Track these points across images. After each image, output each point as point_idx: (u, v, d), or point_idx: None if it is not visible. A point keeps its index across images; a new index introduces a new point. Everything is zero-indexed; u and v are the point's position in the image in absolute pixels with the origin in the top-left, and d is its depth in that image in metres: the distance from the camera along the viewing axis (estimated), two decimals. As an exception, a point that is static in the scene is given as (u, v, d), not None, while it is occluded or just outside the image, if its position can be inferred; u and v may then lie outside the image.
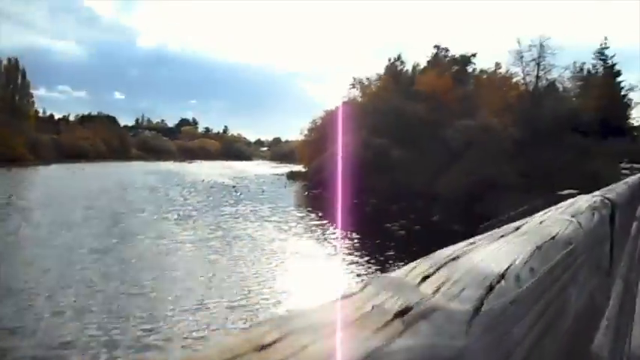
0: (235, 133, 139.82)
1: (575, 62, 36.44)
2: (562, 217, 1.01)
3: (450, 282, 0.49)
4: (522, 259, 0.64)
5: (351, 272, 13.68)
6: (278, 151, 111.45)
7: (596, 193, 1.77)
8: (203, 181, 46.45)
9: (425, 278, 0.50)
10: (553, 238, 0.82)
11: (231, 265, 13.77)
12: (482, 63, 57.10)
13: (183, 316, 9.29)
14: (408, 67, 45.62)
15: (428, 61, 43.64)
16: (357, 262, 14.93)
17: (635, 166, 15.78)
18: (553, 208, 1.18)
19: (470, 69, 42.50)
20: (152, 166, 65.20)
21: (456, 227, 23.03)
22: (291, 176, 52.51)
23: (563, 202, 1.33)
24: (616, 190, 2.05)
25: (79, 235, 17.32)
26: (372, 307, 0.38)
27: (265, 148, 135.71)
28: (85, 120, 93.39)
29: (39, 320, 8.75)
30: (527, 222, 0.93)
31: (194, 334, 8.38)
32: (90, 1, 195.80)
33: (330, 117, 48.47)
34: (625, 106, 34.32)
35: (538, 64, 35.75)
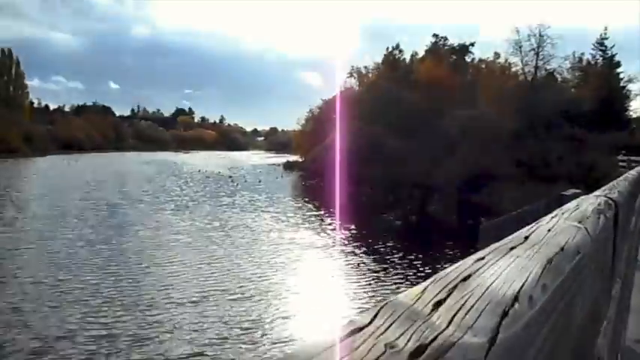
0: (232, 123, 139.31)
1: (574, 52, 36.33)
2: (569, 224, 0.99)
3: (464, 310, 0.46)
4: (534, 277, 0.62)
5: (349, 263, 13.72)
6: (274, 141, 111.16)
7: (599, 192, 1.76)
8: (199, 171, 46.34)
9: (437, 305, 0.47)
10: (562, 249, 0.79)
11: (230, 255, 13.78)
12: (481, 52, 56.86)
13: (183, 306, 9.31)
14: (406, 56, 45.39)
15: (426, 50, 43.40)
16: (354, 253, 14.97)
17: (633, 158, 15.80)
18: (558, 212, 1.16)
19: (468, 58, 42.32)
20: (148, 157, 64.95)
21: (452, 217, 23.13)
22: (288, 166, 52.43)
23: (567, 205, 1.31)
24: (617, 188, 2.03)
25: (76, 226, 17.27)
26: (385, 348, 0.36)
27: (262, 138, 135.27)
28: (80, 110, 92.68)
29: (37, 311, 8.76)
30: (534, 230, 0.91)
31: (193, 324, 8.41)
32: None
33: (326, 106, 48.28)
34: (624, 97, 34.27)
35: (537, 54, 35.60)
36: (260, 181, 38.38)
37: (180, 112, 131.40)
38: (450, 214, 24.00)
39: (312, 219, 21.66)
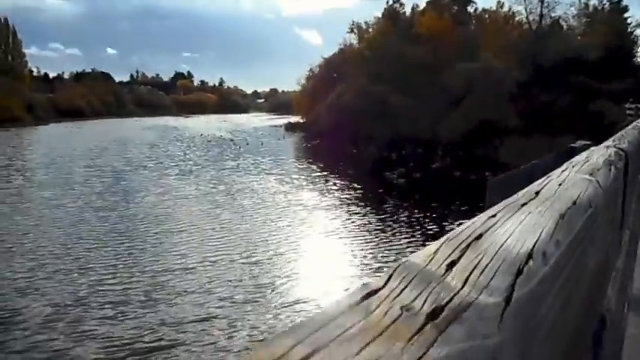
0: (231, 85, 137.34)
1: (581, -3, 34.97)
2: (580, 177, 0.96)
3: (478, 269, 0.46)
4: (548, 232, 0.60)
5: (355, 223, 13.86)
6: (275, 103, 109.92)
7: (609, 143, 1.72)
8: (201, 135, 46.17)
9: (451, 265, 0.47)
10: (574, 202, 0.78)
11: (236, 218, 13.94)
12: (484, 2, 54.93)
13: (192, 270, 9.50)
14: (407, 9, 43.89)
15: (427, 2, 41.88)
16: (360, 213, 15.10)
17: (640, 106, 15.52)
18: (568, 165, 1.14)
19: (471, 9, 40.90)
20: (149, 122, 64.58)
21: (456, 173, 23.12)
22: (290, 127, 52.06)
23: (577, 157, 1.28)
24: (627, 138, 1.99)
25: (82, 193, 17.43)
26: (402, 310, 0.36)
27: (262, 100, 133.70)
28: (79, 77, 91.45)
29: (48, 278, 8.95)
30: (545, 184, 0.89)
31: (203, 288, 8.60)
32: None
33: (327, 65, 47.30)
34: (631, 43, 33.27)
35: (542, 2, 34.36)
36: (262, 144, 38.27)
37: (179, 76, 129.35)
38: (454, 169, 23.98)
39: (317, 180, 21.72)
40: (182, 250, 10.70)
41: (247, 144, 38.23)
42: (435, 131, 31.55)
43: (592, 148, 1.53)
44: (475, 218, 0.65)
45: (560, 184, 0.88)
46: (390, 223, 13.85)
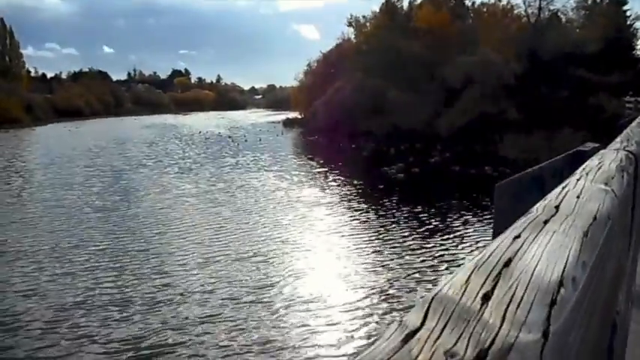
0: (229, 82, 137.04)
1: (580, -10, 34.87)
2: (597, 188, 0.96)
3: (514, 303, 0.46)
4: (574, 255, 0.60)
5: (355, 220, 13.88)
6: (273, 99, 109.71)
7: (617, 145, 1.72)
8: (200, 132, 46.11)
9: (485, 298, 0.47)
10: (595, 218, 0.77)
11: (237, 216, 13.95)
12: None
13: (193, 269, 9.51)
14: (405, 3, 43.72)
15: (425, -4, 41.69)
16: (360, 209, 15.11)
17: (640, 99, 15.50)
18: (582, 172, 1.13)
19: (469, 2, 40.76)
20: (147, 120, 64.46)
21: (455, 167, 23.13)
22: (288, 123, 52.00)
23: (589, 163, 1.28)
24: (634, 138, 1.99)
25: (82, 193, 17.42)
26: (445, 356, 0.34)
27: (260, 96, 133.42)
28: (77, 77, 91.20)
29: (49, 280, 8.93)
30: (563, 197, 0.88)
31: (204, 287, 8.59)
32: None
33: (325, 60, 47.19)
34: (630, 36, 33.21)
35: (540, -6, 34.25)
36: (260, 140, 38.23)
37: (176, 73, 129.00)
38: (453, 164, 23.98)
39: (316, 176, 21.72)
40: (183, 249, 10.70)
41: (246, 141, 38.19)
42: (433, 126, 31.54)
43: (602, 152, 1.52)
44: (500, 239, 0.64)
45: (578, 197, 0.87)
46: (390, 218, 13.87)
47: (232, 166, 24.59)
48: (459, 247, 11.35)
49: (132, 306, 7.78)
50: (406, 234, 12.26)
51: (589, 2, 34.96)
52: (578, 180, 1.04)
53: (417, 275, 9.31)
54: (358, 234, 12.23)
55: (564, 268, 0.56)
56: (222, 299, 8.04)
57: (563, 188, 0.96)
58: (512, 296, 0.46)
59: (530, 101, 29.05)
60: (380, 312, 7.68)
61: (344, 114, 34.65)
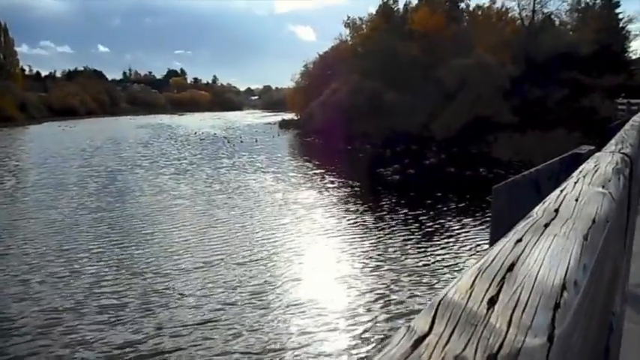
0: (225, 83, 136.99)
1: (573, -7, 35.18)
2: (595, 191, 0.97)
3: (519, 307, 0.46)
4: (576, 258, 0.61)
5: (352, 222, 13.88)
6: (269, 100, 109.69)
7: (612, 147, 1.73)
8: (195, 133, 46.00)
9: (491, 302, 0.47)
10: (594, 221, 0.78)
11: (232, 217, 13.92)
12: (477, -3, 55.07)
13: (189, 272, 9.46)
14: (401, 5, 43.90)
15: (420, -1, 41.88)
16: (357, 211, 15.12)
17: (632, 101, 15.63)
18: (579, 175, 1.15)
19: (464, 5, 40.98)
20: (143, 120, 64.22)
21: (450, 169, 23.21)
22: (284, 125, 51.96)
23: (585, 166, 1.29)
24: (629, 140, 2.01)
25: (77, 194, 17.32)
26: None
27: (256, 97, 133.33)
28: (72, 76, 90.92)
29: (42, 282, 8.83)
30: (562, 200, 0.89)
31: (200, 290, 8.54)
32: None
33: (322, 61, 47.22)
34: (623, 38, 33.52)
35: (534, -3, 34.52)
36: (256, 141, 38.18)
37: (172, 73, 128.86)
38: (449, 165, 24.06)
39: (312, 177, 21.72)
40: (178, 252, 10.65)
41: (241, 142, 38.14)
42: (429, 127, 31.65)
43: (597, 155, 1.54)
44: (501, 243, 0.65)
45: (576, 200, 0.89)
46: (386, 220, 13.89)
47: (228, 168, 24.54)
48: (456, 248, 11.38)
49: (126, 310, 7.70)
50: (402, 236, 12.28)
51: (582, 5, 35.28)
52: (575, 183, 1.05)
53: (414, 278, 9.32)
54: (354, 236, 12.24)
55: (566, 271, 0.56)
56: (219, 303, 7.99)
57: (562, 191, 0.97)
58: (518, 301, 0.47)
59: (524, 103, 29.22)
60: (378, 315, 7.67)
61: (340, 116, 34.69)
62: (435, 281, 9.02)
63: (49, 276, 9.12)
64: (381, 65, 35.44)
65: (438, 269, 9.85)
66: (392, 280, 9.14)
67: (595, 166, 1.28)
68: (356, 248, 11.17)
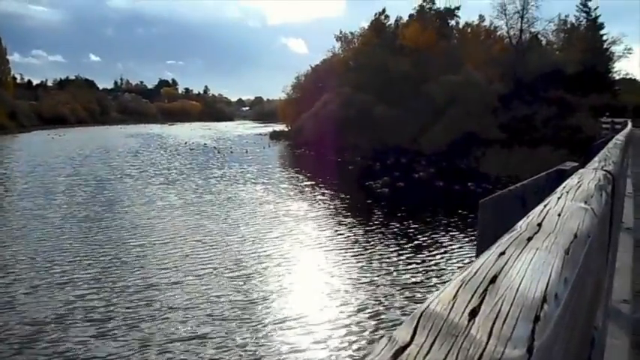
0: (216, 93, 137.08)
1: (559, 14, 36.12)
2: (577, 206, 1.00)
3: (500, 319, 0.47)
4: (557, 272, 0.63)
5: (341, 234, 13.87)
6: (260, 111, 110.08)
7: (595, 164, 1.77)
8: (186, 143, 45.81)
9: (472, 314, 0.48)
10: (576, 235, 0.80)
11: (222, 229, 13.81)
12: (467, 16, 56.10)
13: (177, 284, 9.32)
14: (392, 21, 44.57)
15: (410, 15, 42.63)
16: (346, 223, 15.12)
17: (616, 120, 15.97)
18: (562, 190, 1.17)
19: (454, 22, 41.76)
20: (133, 130, 63.85)
21: (439, 183, 23.39)
22: (275, 136, 52.05)
23: (569, 182, 1.32)
24: (612, 158, 2.05)
25: (65, 203, 17.07)
26: None
27: (247, 108, 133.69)
28: (63, 85, 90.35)
29: (28, 292, 8.66)
30: (545, 214, 0.91)
31: (188, 303, 8.42)
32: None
33: (313, 74, 47.58)
34: (607, 59, 34.37)
35: (521, 17, 35.33)
36: (247, 152, 38.14)
37: (163, 83, 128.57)
38: (437, 179, 24.25)
39: (302, 189, 21.71)
40: (167, 263, 10.51)
41: (232, 152, 38.05)
42: (418, 142, 31.94)
43: (581, 171, 1.57)
44: (485, 255, 0.66)
45: (559, 215, 0.90)
46: (375, 232, 13.90)
47: (218, 178, 24.42)
48: (444, 261, 11.42)
49: (113, 322, 7.57)
50: (391, 248, 12.29)
51: (568, 26, 36.17)
52: (559, 198, 1.07)
53: (401, 290, 9.32)
54: (343, 248, 12.22)
55: (547, 284, 0.58)
56: (207, 316, 7.88)
57: (545, 206, 0.99)
58: (499, 312, 0.48)
59: (511, 120, 29.67)
60: (363, 326, 7.64)
61: (331, 128, 34.87)
62: (422, 293, 9.03)
63: (33, 286, 8.94)
64: (372, 79, 35.83)
65: (426, 281, 9.86)
66: (380, 292, 9.12)
67: (578, 182, 1.31)
68: (344, 261, 11.14)
